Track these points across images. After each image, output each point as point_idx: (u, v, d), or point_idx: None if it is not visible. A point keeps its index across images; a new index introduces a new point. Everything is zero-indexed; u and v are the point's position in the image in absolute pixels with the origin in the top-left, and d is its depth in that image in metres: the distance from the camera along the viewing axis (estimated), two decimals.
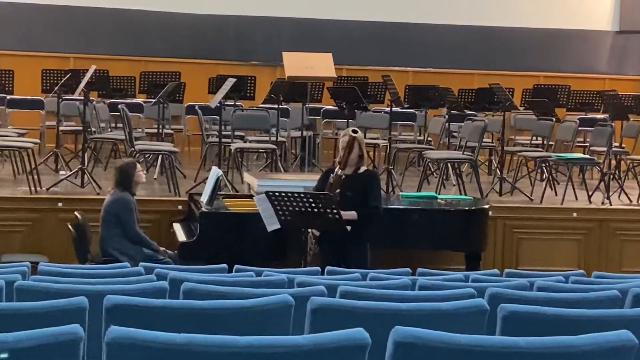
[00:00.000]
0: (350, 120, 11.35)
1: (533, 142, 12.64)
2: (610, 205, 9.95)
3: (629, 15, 16.15)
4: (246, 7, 15.01)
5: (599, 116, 12.95)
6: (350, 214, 6.68)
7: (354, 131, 6.84)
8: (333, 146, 13.29)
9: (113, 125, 12.91)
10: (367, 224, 6.83)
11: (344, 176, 6.79)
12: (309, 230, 6.93)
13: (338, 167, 6.84)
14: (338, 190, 6.76)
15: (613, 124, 11.23)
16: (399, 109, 11.83)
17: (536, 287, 4.88)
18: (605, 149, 10.88)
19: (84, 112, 10.01)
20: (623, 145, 11.91)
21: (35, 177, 9.41)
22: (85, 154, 10.11)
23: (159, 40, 14.89)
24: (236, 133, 11.74)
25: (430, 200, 8.88)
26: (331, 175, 6.87)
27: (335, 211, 6.56)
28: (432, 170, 11.48)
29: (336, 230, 6.68)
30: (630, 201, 10.18)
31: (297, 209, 6.59)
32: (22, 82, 12.81)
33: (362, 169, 6.89)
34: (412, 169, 12.23)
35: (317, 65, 11.48)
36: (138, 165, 8.14)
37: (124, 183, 7.86)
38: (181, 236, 8.20)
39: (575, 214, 9.65)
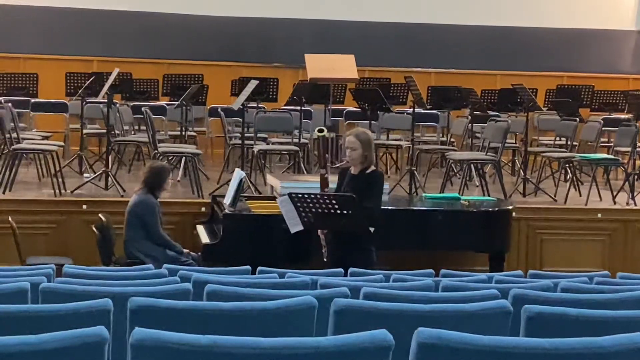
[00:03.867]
0: (372, 122, 11.34)
1: (557, 142, 12.58)
2: (635, 205, 9.89)
3: None
4: (268, 9, 15.03)
5: (623, 116, 12.88)
6: None
7: (320, 130, 6.75)
8: None
9: (136, 127, 12.96)
10: (365, 230, 6.69)
11: (327, 176, 6.82)
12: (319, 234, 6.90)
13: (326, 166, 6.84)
14: (327, 189, 6.79)
15: (637, 123, 11.16)
16: (421, 110, 11.81)
17: (560, 288, 4.85)
18: (629, 149, 10.82)
19: (107, 115, 10.06)
20: None
21: (60, 179, 9.46)
22: (109, 157, 10.15)
23: (181, 42, 14.95)
24: (259, 135, 11.75)
25: (454, 202, 8.86)
26: (347, 173, 6.86)
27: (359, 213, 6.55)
28: (455, 171, 11.45)
29: (352, 232, 6.67)
30: None
31: (320, 210, 6.59)
32: (46, 85, 12.89)
33: (370, 169, 6.86)
34: (435, 170, 12.21)
35: (340, 66, 11.48)
36: (171, 174, 8.17)
37: (153, 185, 7.88)
38: (204, 238, 8.22)
39: (599, 215, 9.60)
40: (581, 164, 10.87)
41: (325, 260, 6.78)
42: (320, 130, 6.88)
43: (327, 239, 6.83)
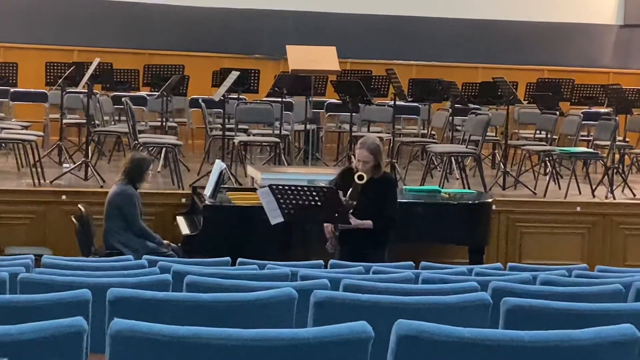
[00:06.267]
0: (353, 114, 11.35)
1: (537, 136, 12.62)
2: (614, 199, 9.94)
3: (633, 8, 16.12)
4: (250, 0, 15.00)
5: (602, 110, 12.92)
6: (365, 223, 6.64)
7: (360, 177, 6.53)
8: (337, 140, 13.31)
9: (117, 118, 12.92)
10: (383, 233, 6.81)
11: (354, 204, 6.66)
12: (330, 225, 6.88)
13: (349, 193, 6.62)
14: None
15: (617, 117, 11.22)
16: (402, 103, 11.81)
17: (539, 281, 4.88)
18: (609, 143, 10.87)
19: (87, 105, 10.02)
20: (627, 139, 11.91)
21: (39, 169, 9.42)
22: (89, 147, 10.11)
23: (162, 33, 14.89)
24: (240, 126, 11.73)
25: (434, 194, 8.87)
26: (354, 181, 6.74)
27: (340, 207, 6.56)
28: (436, 164, 11.48)
29: (346, 226, 6.67)
30: (634, 195, 10.18)
31: (300, 202, 6.59)
32: (26, 74, 12.80)
33: (380, 174, 6.80)
34: (416, 162, 12.23)
35: (321, 58, 11.47)
36: (152, 165, 8.15)
37: (133, 176, 7.85)
38: (184, 229, 8.21)
39: (578, 208, 9.65)
40: (561, 157, 10.91)
41: (331, 252, 6.77)
42: (360, 178, 6.64)
43: (340, 235, 6.80)
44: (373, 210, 6.67)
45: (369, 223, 6.66)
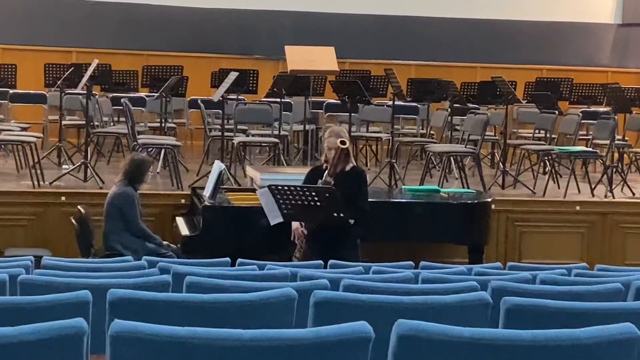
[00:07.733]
0: (352, 114, 11.35)
1: (536, 135, 12.62)
2: (613, 198, 9.94)
3: (632, 8, 16.13)
4: (249, 0, 15.00)
5: (601, 109, 12.93)
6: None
7: (342, 142, 6.66)
8: None
9: (116, 119, 12.92)
10: (354, 228, 6.80)
11: (332, 182, 6.73)
12: (299, 227, 6.89)
13: (326, 171, 6.74)
14: None
15: (616, 116, 11.22)
16: (401, 103, 11.80)
17: (539, 280, 4.88)
18: (608, 141, 10.87)
19: (86, 106, 10.02)
20: (626, 138, 11.90)
21: (38, 171, 9.42)
22: (88, 148, 10.11)
23: (161, 34, 14.89)
24: (239, 127, 11.73)
25: (433, 194, 8.88)
26: (321, 179, 6.78)
27: (338, 206, 6.56)
28: (435, 163, 11.48)
29: (334, 225, 6.67)
30: (633, 194, 10.18)
31: (299, 202, 6.59)
32: (25, 76, 12.81)
33: (349, 166, 6.87)
34: (415, 162, 12.23)
35: (320, 58, 11.47)
36: (152, 167, 8.16)
37: (133, 177, 7.85)
38: (184, 230, 8.20)
39: (578, 207, 9.65)
40: (560, 156, 10.91)
41: (299, 252, 6.78)
42: (343, 143, 6.72)
43: (311, 234, 6.80)
44: (345, 202, 6.68)
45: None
